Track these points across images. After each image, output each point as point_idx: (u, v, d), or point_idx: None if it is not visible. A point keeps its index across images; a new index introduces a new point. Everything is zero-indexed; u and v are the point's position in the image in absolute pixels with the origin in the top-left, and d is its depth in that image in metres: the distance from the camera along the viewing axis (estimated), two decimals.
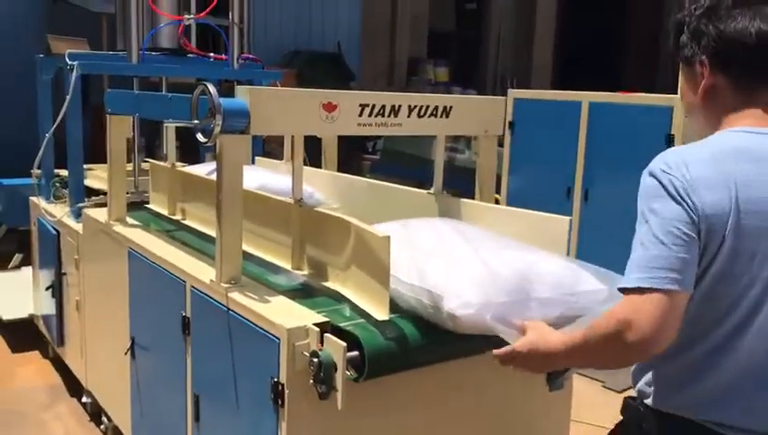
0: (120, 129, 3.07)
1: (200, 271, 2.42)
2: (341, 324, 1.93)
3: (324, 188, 3.23)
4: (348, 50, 10.63)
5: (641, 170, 1.56)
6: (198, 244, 2.80)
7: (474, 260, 1.96)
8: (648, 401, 1.59)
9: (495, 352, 1.72)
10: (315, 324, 1.91)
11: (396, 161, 8.15)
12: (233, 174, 2.20)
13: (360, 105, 2.35)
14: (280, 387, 1.94)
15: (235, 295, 2.17)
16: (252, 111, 2.14)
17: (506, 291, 1.88)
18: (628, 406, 1.67)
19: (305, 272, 2.39)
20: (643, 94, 5.45)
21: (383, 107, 2.40)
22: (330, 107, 2.30)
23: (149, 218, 3.28)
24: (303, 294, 2.24)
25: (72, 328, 3.79)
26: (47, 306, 4.12)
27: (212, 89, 2.10)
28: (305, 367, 1.86)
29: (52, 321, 4.07)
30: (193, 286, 2.41)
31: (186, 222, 3.16)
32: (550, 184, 5.76)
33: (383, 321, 1.91)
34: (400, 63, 11.49)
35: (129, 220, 3.18)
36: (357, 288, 2.08)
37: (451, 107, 2.56)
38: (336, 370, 1.81)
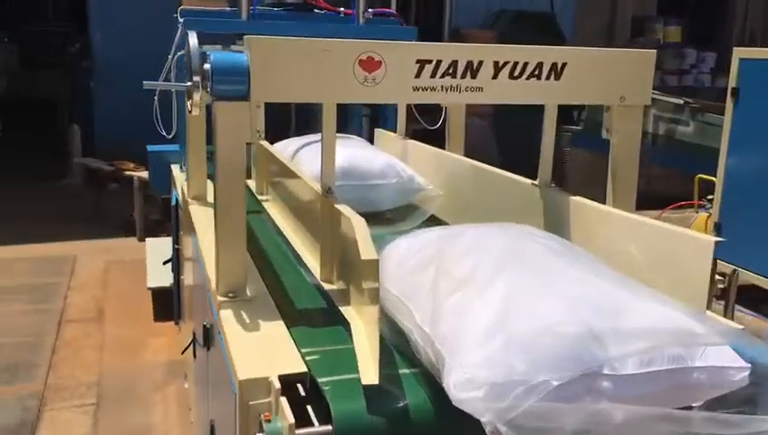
0: None
1: None
2: (322, 380, 1.33)
3: (429, 168, 2.59)
4: (563, 8, 9.57)
5: None
6: (265, 237, 2.32)
7: (522, 302, 1.24)
8: None
9: None
10: (282, 377, 1.33)
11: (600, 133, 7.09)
12: (230, 154, 1.65)
13: (418, 61, 1.68)
14: None
15: (226, 314, 1.65)
16: (253, 70, 1.58)
17: (557, 360, 1.14)
18: None
19: (334, 286, 1.79)
20: None
21: (454, 64, 1.70)
22: (370, 64, 1.66)
23: None
24: (313, 320, 1.65)
25: (186, 304, 3.56)
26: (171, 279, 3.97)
27: (193, 39, 1.57)
28: None
29: (174, 294, 3.91)
30: (208, 292, 1.94)
31: (267, 205, 2.71)
32: None
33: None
34: (623, 22, 10.17)
35: (211, 198, 2.79)
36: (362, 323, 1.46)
37: (564, 64, 1.78)
38: None
